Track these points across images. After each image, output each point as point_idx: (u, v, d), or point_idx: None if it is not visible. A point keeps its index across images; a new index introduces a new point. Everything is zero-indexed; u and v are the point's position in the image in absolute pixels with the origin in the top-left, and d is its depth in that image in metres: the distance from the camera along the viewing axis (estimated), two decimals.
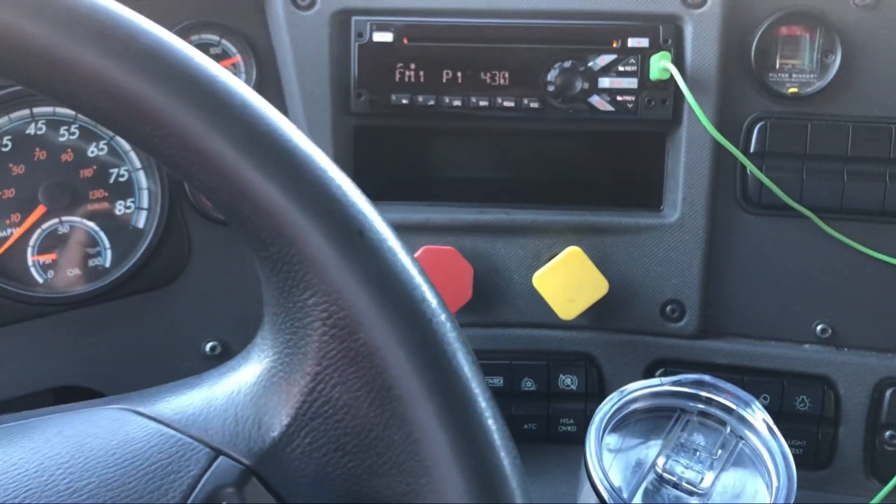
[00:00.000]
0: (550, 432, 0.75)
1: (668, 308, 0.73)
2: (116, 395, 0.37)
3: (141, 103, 0.31)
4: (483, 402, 0.32)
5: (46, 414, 0.36)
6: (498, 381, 0.74)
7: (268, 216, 0.31)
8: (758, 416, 0.60)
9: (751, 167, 0.70)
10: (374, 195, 0.73)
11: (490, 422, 0.32)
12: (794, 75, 0.72)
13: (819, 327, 0.74)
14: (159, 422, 0.34)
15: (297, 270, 0.32)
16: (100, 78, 0.30)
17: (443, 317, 0.32)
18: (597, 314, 0.73)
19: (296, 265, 0.32)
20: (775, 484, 0.57)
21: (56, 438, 0.33)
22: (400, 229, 0.71)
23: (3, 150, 0.67)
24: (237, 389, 0.34)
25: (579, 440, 0.59)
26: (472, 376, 0.32)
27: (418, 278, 0.33)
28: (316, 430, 0.33)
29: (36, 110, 0.68)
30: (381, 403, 0.31)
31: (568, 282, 0.70)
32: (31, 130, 0.68)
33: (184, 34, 0.70)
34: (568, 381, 0.74)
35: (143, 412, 0.34)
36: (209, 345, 0.73)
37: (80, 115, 0.69)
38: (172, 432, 0.33)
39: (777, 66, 0.72)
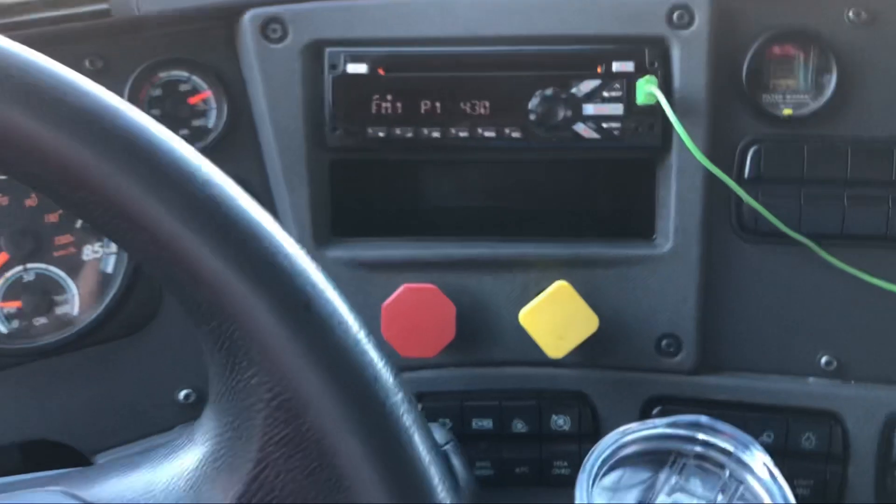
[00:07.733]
0: (544, 475, 0.72)
1: (664, 342, 0.70)
2: (56, 472, 0.35)
3: (71, 167, 0.28)
4: (442, 493, 0.30)
5: None
6: (487, 423, 0.70)
7: (208, 288, 0.29)
8: (757, 458, 0.57)
9: (743, 195, 0.66)
10: (353, 231, 0.72)
11: None
12: (788, 96, 0.69)
13: (824, 360, 0.70)
14: None
15: (239, 347, 0.29)
16: (28, 140, 0.28)
17: (398, 397, 0.30)
18: (589, 351, 0.69)
19: (238, 341, 0.29)
20: None
21: None
22: (381, 267, 0.70)
23: None
24: (178, 475, 0.32)
25: (574, 483, 0.56)
26: (430, 463, 0.30)
27: (371, 354, 0.30)
28: None
29: None
30: (329, 494, 0.29)
31: (556, 318, 0.67)
32: None
33: (152, 71, 0.67)
34: (560, 422, 0.71)
35: (82, 496, 0.32)
36: (183, 392, 0.70)
37: None
38: None
39: (770, 86, 0.69)
